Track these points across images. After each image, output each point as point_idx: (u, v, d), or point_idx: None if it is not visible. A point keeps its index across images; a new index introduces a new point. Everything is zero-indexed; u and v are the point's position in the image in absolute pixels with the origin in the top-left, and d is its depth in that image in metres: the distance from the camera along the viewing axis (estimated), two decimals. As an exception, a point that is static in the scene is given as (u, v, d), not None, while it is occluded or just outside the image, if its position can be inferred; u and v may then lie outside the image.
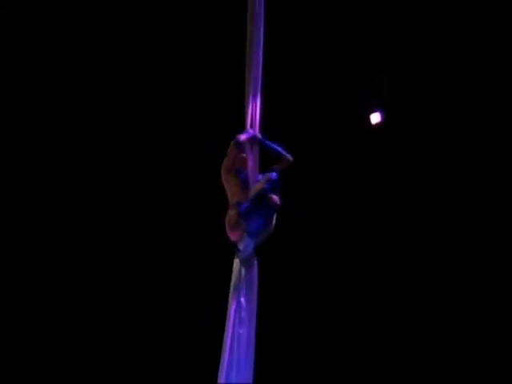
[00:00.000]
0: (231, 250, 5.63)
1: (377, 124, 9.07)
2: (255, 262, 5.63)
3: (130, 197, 8.88)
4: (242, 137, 5.71)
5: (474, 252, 8.63)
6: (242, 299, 5.53)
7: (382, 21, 8.56)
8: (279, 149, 5.83)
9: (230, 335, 5.46)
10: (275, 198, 5.55)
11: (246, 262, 5.62)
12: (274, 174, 5.64)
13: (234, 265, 5.63)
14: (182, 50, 8.68)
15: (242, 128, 5.79)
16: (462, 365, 8.44)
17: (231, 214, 5.57)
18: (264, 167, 5.72)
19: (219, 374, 5.44)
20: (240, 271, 5.59)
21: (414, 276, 8.76)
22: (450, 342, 8.55)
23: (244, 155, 5.72)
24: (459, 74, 8.66)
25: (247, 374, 5.39)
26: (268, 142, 5.79)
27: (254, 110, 5.81)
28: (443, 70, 8.73)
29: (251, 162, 5.70)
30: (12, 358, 8.56)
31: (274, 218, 5.61)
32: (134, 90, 8.71)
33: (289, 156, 5.81)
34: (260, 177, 5.70)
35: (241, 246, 5.61)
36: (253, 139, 5.73)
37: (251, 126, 5.76)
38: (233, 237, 5.64)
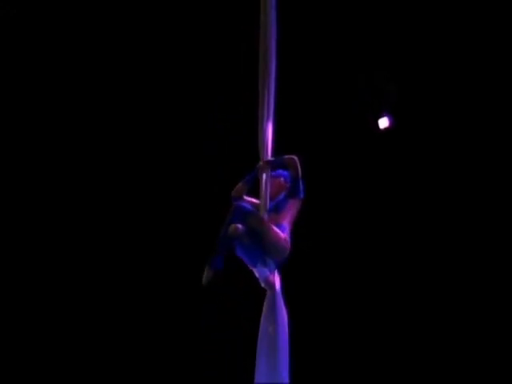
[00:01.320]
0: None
1: (385, 129, 8.98)
2: (276, 288, 5.42)
3: (132, 198, 8.81)
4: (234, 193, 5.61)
5: (483, 253, 8.46)
6: (271, 328, 5.34)
7: (390, 26, 8.49)
8: (280, 159, 5.65)
9: (261, 362, 5.34)
10: (230, 228, 5.21)
11: (267, 289, 5.44)
12: (236, 205, 5.40)
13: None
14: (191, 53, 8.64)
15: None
16: (462, 365, 8.29)
17: None
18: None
19: None
20: (268, 300, 5.42)
21: (421, 277, 8.60)
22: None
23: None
24: (467, 80, 8.52)
25: None
26: (271, 161, 5.62)
27: (267, 135, 5.62)
28: (451, 75, 8.58)
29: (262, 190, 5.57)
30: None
31: (271, 241, 5.33)
32: (137, 91, 8.65)
33: (291, 157, 5.60)
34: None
35: (256, 275, 5.46)
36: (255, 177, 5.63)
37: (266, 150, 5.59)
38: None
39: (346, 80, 8.72)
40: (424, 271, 8.60)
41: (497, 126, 8.51)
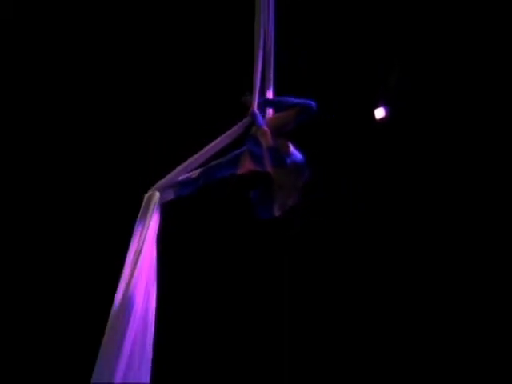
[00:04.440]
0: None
1: (381, 119, 8.96)
2: None
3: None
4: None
5: (484, 250, 8.50)
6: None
7: (390, 15, 8.50)
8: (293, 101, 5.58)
9: None
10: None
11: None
12: None
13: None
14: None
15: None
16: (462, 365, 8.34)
17: None
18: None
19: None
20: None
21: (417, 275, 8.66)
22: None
23: None
24: (466, 70, 8.53)
25: None
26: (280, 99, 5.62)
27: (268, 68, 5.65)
28: (450, 66, 8.60)
29: None
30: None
31: None
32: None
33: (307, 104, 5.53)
34: None
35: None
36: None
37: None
38: None
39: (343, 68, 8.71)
40: (417, 264, 8.64)
41: (498, 118, 8.53)
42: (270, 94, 5.73)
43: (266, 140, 5.33)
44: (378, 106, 8.93)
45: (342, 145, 8.89)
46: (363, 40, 8.63)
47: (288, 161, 5.32)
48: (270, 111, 5.75)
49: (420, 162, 8.80)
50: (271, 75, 5.71)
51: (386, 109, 8.97)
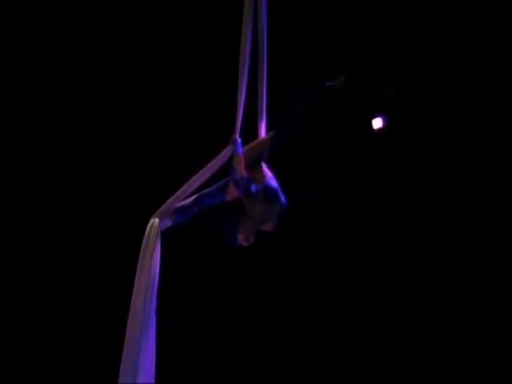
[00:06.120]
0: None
1: (379, 129, 8.98)
2: None
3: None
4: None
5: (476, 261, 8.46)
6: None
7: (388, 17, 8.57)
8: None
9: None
10: None
11: None
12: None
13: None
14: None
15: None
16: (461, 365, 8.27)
17: None
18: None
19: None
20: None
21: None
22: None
23: None
24: (464, 79, 8.58)
25: None
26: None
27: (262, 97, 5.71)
28: (447, 76, 8.65)
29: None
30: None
31: None
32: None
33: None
34: None
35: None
36: None
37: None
38: None
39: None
40: (423, 266, 8.57)
41: (495, 130, 8.54)
42: (263, 125, 5.76)
43: (239, 168, 5.43)
44: (375, 117, 8.95)
45: (342, 145, 8.90)
46: (363, 41, 8.71)
47: (258, 190, 5.43)
48: (262, 132, 5.79)
49: (420, 162, 8.78)
50: (264, 90, 5.78)
51: (383, 119, 9.00)
